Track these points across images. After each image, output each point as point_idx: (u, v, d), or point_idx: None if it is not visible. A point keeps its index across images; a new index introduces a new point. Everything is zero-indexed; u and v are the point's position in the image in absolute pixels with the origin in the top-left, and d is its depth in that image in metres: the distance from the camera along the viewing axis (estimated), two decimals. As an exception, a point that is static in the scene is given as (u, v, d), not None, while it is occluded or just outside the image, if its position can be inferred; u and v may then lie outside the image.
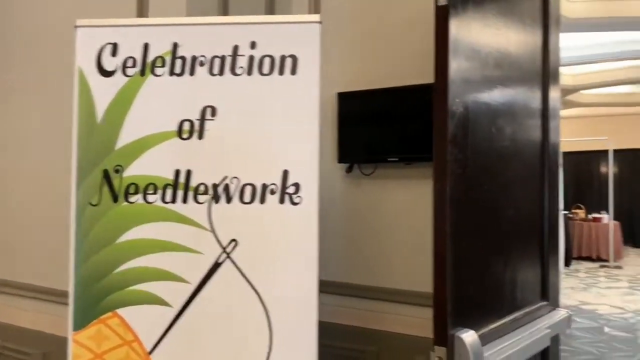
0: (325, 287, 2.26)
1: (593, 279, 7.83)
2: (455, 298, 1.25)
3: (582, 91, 12.22)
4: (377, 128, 2.19)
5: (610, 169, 9.42)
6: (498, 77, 1.47)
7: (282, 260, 1.53)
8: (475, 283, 1.37)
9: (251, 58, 1.57)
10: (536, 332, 1.53)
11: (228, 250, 1.54)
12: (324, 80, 2.32)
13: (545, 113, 1.73)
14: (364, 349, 2.16)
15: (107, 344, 1.57)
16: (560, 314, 1.74)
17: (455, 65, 1.25)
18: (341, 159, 2.24)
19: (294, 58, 1.55)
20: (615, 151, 11.55)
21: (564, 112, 14.81)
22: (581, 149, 12.15)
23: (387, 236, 2.17)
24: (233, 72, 1.57)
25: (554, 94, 1.77)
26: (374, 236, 2.20)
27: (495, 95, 1.46)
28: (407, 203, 2.14)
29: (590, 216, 10.06)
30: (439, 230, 1.25)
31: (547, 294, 1.72)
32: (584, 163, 12.49)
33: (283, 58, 1.55)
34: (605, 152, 9.73)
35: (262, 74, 1.56)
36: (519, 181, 1.62)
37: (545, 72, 1.75)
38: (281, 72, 1.56)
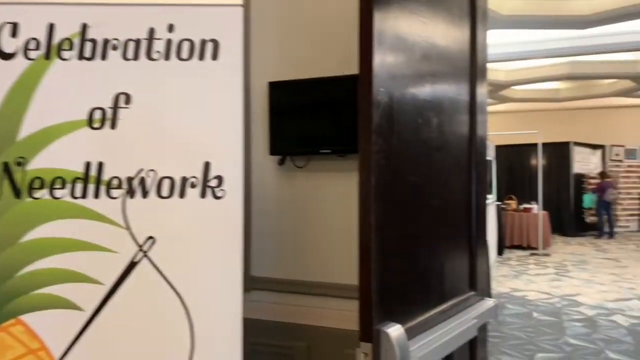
0: (257, 284, 2.19)
1: (523, 267, 8.21)
2: (381, 291, 1.22)
3: (514, 87, 12.78)
4: (309, 119, 2.14)
5: (539, 161, 9.89)
6: (425, 69, 1.45)
7: (203, 257, 1.45)
8: (402, 275, 1.35)
9: (169, 42, 1.46)
10: (464, 322, 1.53)
11: (145, 248, 1.44)
12: (255, 69, 2.24)
13: (473, 107, 1.74)
14: (294, 345, 2.11)
15: (10, 353, 1.43)
16: (488, 303, 1.76)
17: (381, 54, 1.21)
18: (273, 151, 2.17)
19: (215, 42, 1.46)
20: (544, 144, 12.19)
21: (498, 107, 15.47)
22: (514, 143, 12.72)
23: (320, 229, 2.12)
24: (149, 57, 1.46)
25: (481, 89, 1.78)
26: (307, 230, 2.14)
27: (422, 87, 1.44)
28: (340, 195, 2.10)
29: (521, 207, 10.54)
30: (364, 222, 1.22)
31: (476, 283, 1.74)
32: (517, 156, 13.08)
33: (203, 42, 1.46)
34: (536, 145, 10.20)
35: (180, 59, 1.46)
36: (446, 172, 1.61)
37: (472, 66, 1.75)
38: (201, 57, 1.46)
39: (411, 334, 1.28)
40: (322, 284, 2.07)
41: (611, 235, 11.83)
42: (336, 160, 2.10)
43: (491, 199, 8.67)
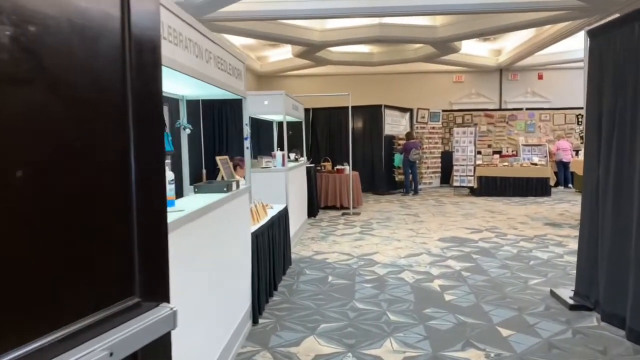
0: None
1: (333, 227, 8.24)
2: None
3: (329, 48, 12.83)
4: None
5: (349, 123, 10.02)
6: None
7: None
8: None
9: None
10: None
11: None
12: None
13: (125, 32, 1.13)
14: None
15: None
16: (162, 312, 1.24)
17: None
18: None
19: None
20: (360, 107, 12.55)
21: (316, 70, 15.52)
22: (331, 105, 12.88)
23: None
24: None
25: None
26: None
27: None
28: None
29: (335, 168, 10.70)
30: None
31: (135, 287, 1.19)
32: (334, 119, 13.29)
33: None
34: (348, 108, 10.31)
35: None
36: (51, 121, 1.00)
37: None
38: None
39: None
40: None
41: (416, 192, 12.80)
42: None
43: (303, 162, 8.52)
